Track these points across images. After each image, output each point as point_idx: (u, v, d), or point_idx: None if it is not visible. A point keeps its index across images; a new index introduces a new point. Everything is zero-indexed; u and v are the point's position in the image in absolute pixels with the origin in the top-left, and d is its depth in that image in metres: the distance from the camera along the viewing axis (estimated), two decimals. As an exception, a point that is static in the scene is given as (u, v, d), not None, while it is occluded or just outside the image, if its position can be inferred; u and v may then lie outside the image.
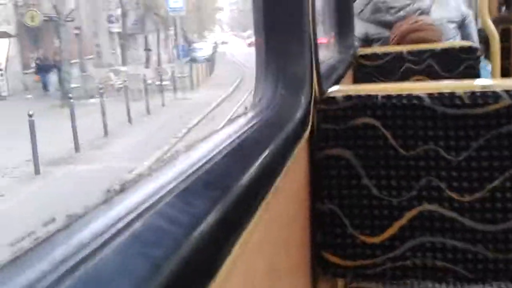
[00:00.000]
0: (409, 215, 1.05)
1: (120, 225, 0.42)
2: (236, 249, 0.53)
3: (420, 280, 1.23)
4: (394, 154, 1.05)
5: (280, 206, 0.85)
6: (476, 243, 1.02)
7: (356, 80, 2.52)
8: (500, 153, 1.01)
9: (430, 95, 1.04)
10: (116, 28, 33.01)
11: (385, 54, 2.48)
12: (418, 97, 1.05)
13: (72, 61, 22.03)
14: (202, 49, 36.37)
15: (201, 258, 0.45)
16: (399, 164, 1.05)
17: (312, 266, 1.10)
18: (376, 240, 1.06)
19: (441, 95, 1.04)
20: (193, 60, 29.97)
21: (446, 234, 1.03)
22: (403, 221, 1.05)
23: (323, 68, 1.97)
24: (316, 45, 1.18)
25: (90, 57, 29.23)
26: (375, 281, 1.26)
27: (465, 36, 2.90)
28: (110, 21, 32.50)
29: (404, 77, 2.43)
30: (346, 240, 1.08)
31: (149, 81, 18.67)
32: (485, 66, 3.07)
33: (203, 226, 0.47)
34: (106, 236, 0.40)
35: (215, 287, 0.46)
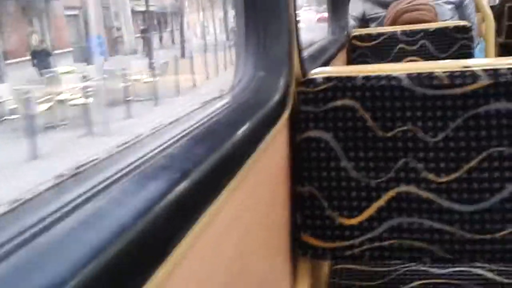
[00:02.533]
0: (386, 196, 1.05)
1: (66, 209, 0.43)
2: (195, 232, 0.54)
3: (398, 261, 1.24)
4: (372, 135, 1.05)
5: (257, 187, 0.85)
6: (453, 224, 1.03)
7: (350, 62, 2.50)
8: (477, 134, 1.01)
9: (409, 76, 1.04)
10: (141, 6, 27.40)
11: (379, 35, 2.46)
12: (397, 78, 1.04)
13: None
14: None
15: (149, 242, 0.45)
16: (377, 146, 1.05)
17: (292, 248, 1.11)
18: (354, 221, 1.07)
19: (420, 75, 1.03)
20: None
21: (423, 215, 1.04)
22: (380, 202, 1.05)
23: (312, 48, 1.96)
24: (297, 25, 1.17)
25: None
26: (354, 262, 1.28)
27: (463, 17, 2.87)
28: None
29: (398, 58, 2.41)
30: (325, 222, 1.08)
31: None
32: (483, 48, 3.04)
33: (155, 210, 0.47)
34: (49, 220, 0.41)
35: (163, 272, 0.46)
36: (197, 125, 0.75)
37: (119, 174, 0.51)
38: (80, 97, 11.35)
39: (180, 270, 0.50)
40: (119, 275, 0.40)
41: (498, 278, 1.17)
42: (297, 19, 1.18)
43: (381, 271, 1.26)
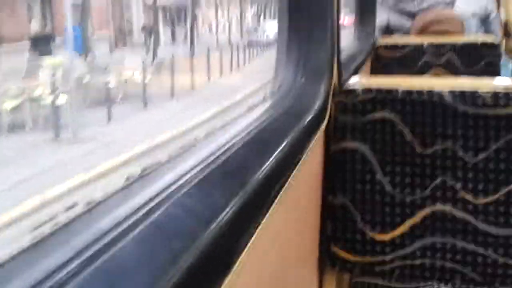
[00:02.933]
0: (421, 214, 1.04)
1: (140, 213, 0.42)
2: (253, 241, 0.53)
3: (427, 280, 1.23)
4: (410, 151, 1.04)
5: (295, 198, 0.84)
6: (487, 247, 1.01)
7: (374, 70, 2.49)
8: None
9: (452, 93, 1.02)
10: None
11: (405, 45, 2.44)
12: (439, 94, 1.03)
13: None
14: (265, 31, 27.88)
15: (218, 250, 0.45)
16: (415, 162, 1.04)
17: (320, 258, 1.10)
18: (386, 237, 1.06)
19: (462, 93, 1.02)
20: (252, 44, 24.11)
21: (457, 236, 1.02)
22: (414, 219, 1.04)
23: (342, 57, 1.94)
24: (339, 33, 1.16)
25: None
26: (382, 278, 1.26)
27: (488, 31, 2.85)
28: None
29: (423, 70, 2.39)
30: (356, 235, 1.07)
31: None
32: (508, 63, 3.02)
33: (221, 218, 0.47)
34: (126, 224, 0.40)
35: (232, 278, 0.45)
36: (246, 131, 0.74)
37: (183, 180, 0.51)
38: (51, 95, 9.45)
39: (242, 277, 0.50)
40: (197, 281, 0.39)
41: None
42: (339, 27, 1.17)
43: None
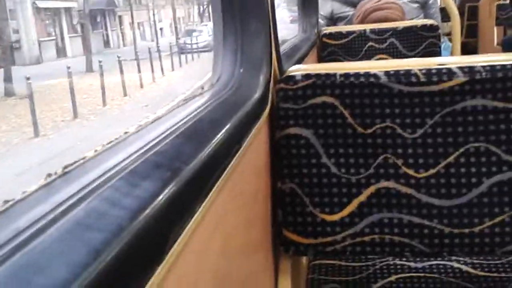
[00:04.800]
0: (367, 192, 1.06)
1: (60, 210, 0.41)
2: (187, 232, 0.53)
3: (379, 256, 1.26)
4: (352, 132, 1.06)
5: (239, 186, 0.84)
6: (432, 218, 1.05)
7: (321, 60, 2.53)
8: (455, 130, 1.03)
9: (387, 73, 1.05)
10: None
11: (349, 33, 2.49)
12: (375, 75, 1.05)
13: None
14: (200, 35, 25.23)
15: (146, 242, 0.44)
16: (357, 142, 1.06)
17: (274, 244, 1.11)
18: (335, 217, 1.08)
19: (397, 72, 1.05)
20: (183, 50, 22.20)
21: (402, 210, 1.05)
22: (361, 198, 1.06)
23: (285, 47, 1.96)
24: (275, 22, 1.17)
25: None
26: (336, 258, 1.28)
27: (428, 16, 2.93)
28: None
29: (367, 56, 2.45)
30: (307, 218, 1.09)
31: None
32: (448, 46, 3.13)
33: (149, 209, 0.46)
34: (44, 221, 0.39)
35: (162, 271, 0.45)
36: (181, 123, 0.73)
37: (110, 173, 0.50)
38: None
39: (175, 270, 0.49)
40: (120, 276, 0.39)
41: (474, 271, 1.20)
42: (275, 16, 1.18)
43: (359, 266, 1.27)
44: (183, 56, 21.62)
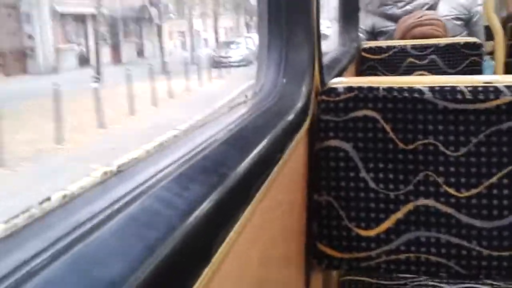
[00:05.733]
0: (405, 209, 1.05)
1: (116, 206, 0.43)
2: (231, 236, 0.54)
3: (413, 275, 1.24)
4: (393, 147, 1.05)
5: (278, 195, 0.85)
6: (471, 240, 1.02)
7: (359, 74, 2.51)
8: (499, 150, 1.01)
9: (432, 89, 1.04)
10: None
11: (389, 48, 2.47)
12: (419, 91, 1.04)
13: None
14: (238, 47, 22.93)
15: (195, 242, 0.45)
16: (397, 158, 1.05)
17: (307, 257, 1.11)
18: (371, 233, 1.07)
19: (442, 89, 1.03)
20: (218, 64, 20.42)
21: (441, 229, 1.03)
22: (399, 215, 1.05)
23: (325, 59, 1.97)
24: (319, 34, 1.18)
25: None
26: (369, 274, 1.27)
27: (472, 33, 2.88)
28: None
29: (407, 72, 2.42)
30: (342, 232, 1.08)
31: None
32: (489, 65, 3.06)
33: (199, 211, 0.47)
34: (101, 216, 0.41)
35: (208, 273, 0.46)
36: (226, 129, 0.75)
37: (161, 174, 0.51)
38: None
39: (220, 272, 0.50)
40: (172, 273, 0.40)
41: None
42: (320, 28, 1.19)
43: (390, 284, 1.25)
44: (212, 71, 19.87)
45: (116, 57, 22.49)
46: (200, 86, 17.90)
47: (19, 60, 17.52)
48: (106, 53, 22.17)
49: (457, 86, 1.03)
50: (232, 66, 21.05)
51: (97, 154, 8.18)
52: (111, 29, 23.33)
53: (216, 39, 28.63)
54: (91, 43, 21.56)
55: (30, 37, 18.72)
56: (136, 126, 11.30)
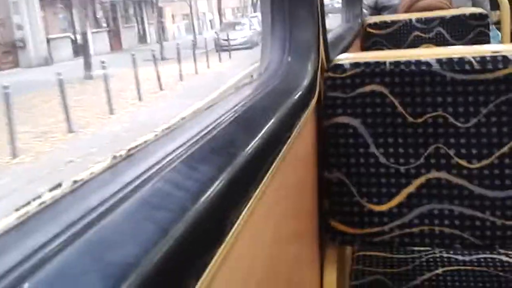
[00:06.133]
0: (416, 182, 1.04)
1: (127, 189, 0.42)
2: (243, 215, 0.53)
3: (427, 247, 1.24)
4: (402, 121, 1.04)
5: (288, 174, 0.85)
6: (484, 210, 1.02)
7: (364, 49, 2.49)
8: (510, 119, 1.00)
9: (439, 61, 1.02)
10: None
11: (394, 22, 2.44)
12: (427, 63, 1.03)
13: None
14: (242, 29, 21.76)
15: (208, 223, 0.45)
16: (407, 132, 1.04)
17: (320, 233, 1.11)
18: (383, 208, 1.06)
19: (450, 60, 1.02)
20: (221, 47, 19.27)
21: (454, 201, 1.03)
22: (410, 188, 1.05)
23: (330, 36, 1.94)
24: (323, 11, 1.16)
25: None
26: (383, 248, 1.27)
27: (477, 4, 2.84)
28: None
29: (413, 46, 2.39)
30: (354, 208, 1.08)
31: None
32: (497, 35, 3.02)
33: (210, 192, 0.47)
34: (113, 200, 0.40)
35: (222, 252, 0.46)
36: (233, 110, 0.74)
37: (171, 156, 0.51)
38: None
39: (233, 251, 0.50)
40: (186, 255, 0.40)
41: None
42: (323, 5, 1.17)
43: (404, 258, 1.25)
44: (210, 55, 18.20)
45: (116, 44, 21.49)
46: (196, 73, 16.22)
47: (8, 52, 16.18)
48: (105, 40, 21.26)
49: (465, 57, 1.01)
50: (235, 49, 19.87)
51: (50, 169, 7.03)
52: (109, 15, 21.97)
53: (221, 21, 27.37)
54: (88, 30, 19.89)
55: (19, 27, 17.36)
56: (112, 128, 9.73)
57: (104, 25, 21.63)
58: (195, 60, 16.48)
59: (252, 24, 21.90)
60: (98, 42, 20.97)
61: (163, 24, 24.52)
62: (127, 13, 23.51)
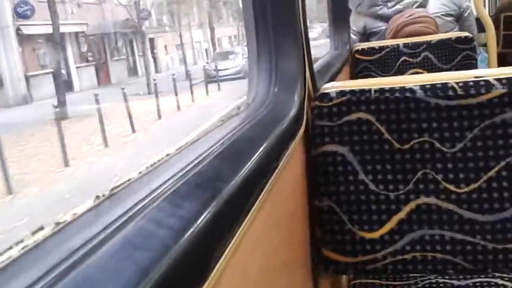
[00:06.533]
0: (407, 208, 1.05)
1: (110, 230, 0.43)
2: (229, 250, 0.54)
3: (421, 274, 1.23)
4: (389, 148, 1.05)
5: (277, 204, 0.85)
6: (475, 234, 1.02)
7: (354, 76, 2.52)
8: (495, 143, 1.01)
9: (423, 87, 1.04)
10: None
11: (382, 48, 2.48)
12: (411, 90, 1.05)
13: None
14: (234, 58, 20.22)
15: (191, 260, 0.45)
16: (394, 158, 1.05)
17: (313, 263, 1.11)
18: (375, 235, 1.06)
19: (433, 86, 1.04)
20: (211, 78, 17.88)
21: (444, 226, 1.03)
22: (401, 215, 1.05)
23: (318, 64, 1.97)
24: (307, 41, 1.18)
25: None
26: (377, 276, 1.26)
27: (464, 29, 2.89)
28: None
29: (401, 71, 2.43)
30: (346, 237, 1.08)
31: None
32: (485, 58, 3.07)
33: (193, 229, 0.47)
34: (96, 241, 0.41)
35: None
36: (219, 143, 0.75)
37: (154, 194, 0.51)
38: None
39: (222, 286, 0.50)
40: None
41: None
42: (308, 35, 1.20)
43: (400, 285, 1.25)
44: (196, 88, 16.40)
45: (104, 78, 20.30)
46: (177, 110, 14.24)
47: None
48: (91, 74, 19.86)
49: (448, 83, 1.03)
50: (227, 79, 18.05)
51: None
52: (95, 48, 20.94)
53: (214, 50, 26.52)
54: (71, 65, 19.05)
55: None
56: (58, 187, 8.12)
57: (91, 59, 20.66)
58: (176, 94, 14.79)
59: (245, 53, 21.10)
60: (84, 77, 20.02)
61: (155, 55, 23.90)
62: (116, 46, 22.62)
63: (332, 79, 1.79)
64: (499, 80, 1.02)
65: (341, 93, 1.09)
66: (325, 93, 1.11)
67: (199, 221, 0.49)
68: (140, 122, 12.32)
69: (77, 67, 19.72)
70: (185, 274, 0.44)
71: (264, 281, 0.73)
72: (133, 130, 12.02)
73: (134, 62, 23.67)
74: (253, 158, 0.72)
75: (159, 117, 13.37)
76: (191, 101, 15.72)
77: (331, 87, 1.12)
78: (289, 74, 1.10)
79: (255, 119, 0.93)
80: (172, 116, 13.57)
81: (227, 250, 0.53)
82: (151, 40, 23.98)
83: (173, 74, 16.09)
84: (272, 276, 0.79)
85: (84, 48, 20.54)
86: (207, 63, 21.23)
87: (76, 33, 18.68)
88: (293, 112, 1.02)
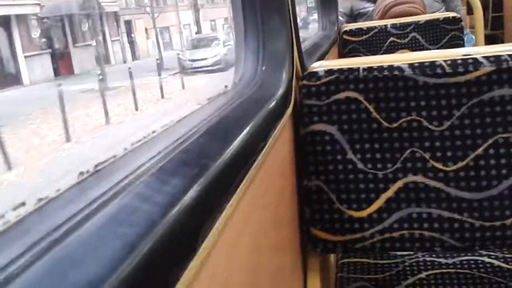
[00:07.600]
0: (394, 187, 1.05)
1: (94, 206, 0.42)
2: (217, 227, 0.53)
3: (409, 252, 1.24)
4: (377, 127, 1.05)
5: (265, 183, 0.84)
6: (462, 212, 1.03)
7: (342, 57, 2.51)
8: (483, 121, 1.01)
9: (411, 65, 1.04)
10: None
11: (370, 29, 2.47)
12: (399, 68, 1.04)
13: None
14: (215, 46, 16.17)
15: (179, 236, 0.44)
16: (382, 137, 1.05)
17: (302, 242, 1.11)
18: (363, 214, 1.07)
19: (422, 64, 1.03)
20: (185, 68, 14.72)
21: (431, 204, 1.04)
22: (389, 193, 1.05)
23: (306, 45, 1.96)
24: (295, 20, 1.17)
25: None
26: (366, 254, 1.27)
27: (450, 9, 2.89)
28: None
29: (389, 52, 2.43)
30: (334, 215, 1.08)
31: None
32: (471, 39, 3.08)
33: (180, 205, 0.46)
34: (79, 217, 0.40)
35: (194, 266, 0.45)
36: (207, 120, 0.74)
37: (140, 170, 0.50)
38: None
39: (207, 265, 0.49)
40: (154, 271, 0.39)
41: (506, 265, 1.18)
42: (295, 14, 1.18)
43: (388, 263, 1.26)
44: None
45: (65, 68, 16.76)
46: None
47: None
48: (46, 64, 15.99)
49: (436, 61, 1.03)
50: (204, 71, 14.89)
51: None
52: (53, 33, 17.07)
53: (198, 33, 23.51)
54: (19, 54, 15.10)
55: None
56: None
57: (45, 46, 16.62)
58: (134, 93, 11.07)
59: (229, 39, 16.94)
60: (36, 67, 16.37)
61: (133, 40, 20.16)
62: (81, 29, 18.38)
63: (320, 59, 1.78)
64: (487, 57, 1.01)
65: (329, 72, 1.08)
66: (313, 72, 1.09)
67: (186, 197, 0.48)
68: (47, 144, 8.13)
69: (26, 56, 15.96)
70: (172, 250, 0.43)
71: (253, 259, 0.73)
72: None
73: (106, 48, 19.58)
74: (241, 136, 0.71)
75: (68, 140, 8.37)
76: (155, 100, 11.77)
77: (319, 66, 1.11)
78: (277, 52, 1.08)
79: (242, 98, 0.92)
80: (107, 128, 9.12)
81: (214, 227, 0.52)
82: (128, 23, 20.53)
83: (129, 68, 12.82)
84: (261, 254, 0.79)
85: (36, 34, 16.68)
86: (181, 51, 18.09)
87: (25, 16, 15.06)
88: (281, 91, 1.01)
